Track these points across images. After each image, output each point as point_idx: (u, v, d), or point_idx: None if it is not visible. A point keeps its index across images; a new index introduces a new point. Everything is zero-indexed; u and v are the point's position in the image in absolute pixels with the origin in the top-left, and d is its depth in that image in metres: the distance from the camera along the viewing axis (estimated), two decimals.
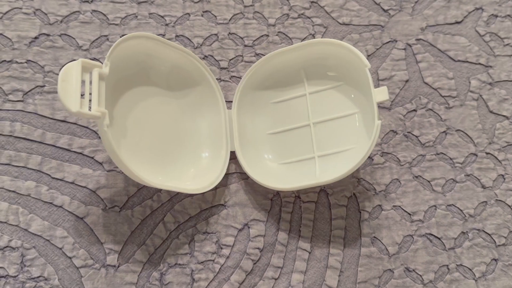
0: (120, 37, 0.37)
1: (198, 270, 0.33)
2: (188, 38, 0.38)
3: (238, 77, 0.37)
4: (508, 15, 0.41)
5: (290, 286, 0.33)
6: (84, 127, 0.35)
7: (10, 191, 0.33)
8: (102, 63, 0.29)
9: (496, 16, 0.41)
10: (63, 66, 0.36)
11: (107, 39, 0.37)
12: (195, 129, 0.35)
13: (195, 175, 0.34)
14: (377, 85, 0.38)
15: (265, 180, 0.33)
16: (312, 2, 0.40)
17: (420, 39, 0.40)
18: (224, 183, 0.35)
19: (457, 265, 0.34)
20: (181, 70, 0.35)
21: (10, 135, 0.34)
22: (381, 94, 0.31)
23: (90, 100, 0.28)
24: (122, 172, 0.34)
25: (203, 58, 0.37)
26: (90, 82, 0.28)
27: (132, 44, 0.31)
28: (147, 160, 0.33)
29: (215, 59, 0.38)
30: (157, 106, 0.34)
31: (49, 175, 0.34)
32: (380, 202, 0.35)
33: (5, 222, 0.32)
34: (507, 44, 0.40)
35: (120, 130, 0.32)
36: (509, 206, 0.36)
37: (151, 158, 0.33)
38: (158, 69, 0.34)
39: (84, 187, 0.34)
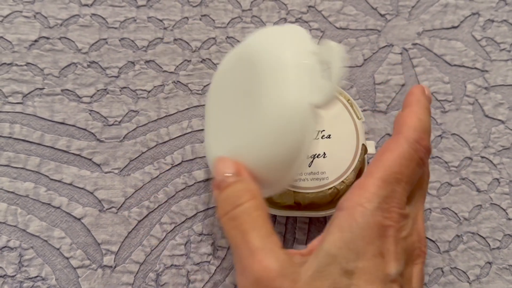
0: (119, 40, 0.38)
1: (194, 271, 0.33)
2: (186, 42, 0.38)
3: None
4: (505, 20, 0.42)
5: None
6: (83, 129, 0.35)
7: (9, 192, 0.34)
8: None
9: (493, 21, 0.41)
10: (63, 68, 0.36)
11: (106, 42, 0.37)
12: None
13: None
14: (373, 89, 0.39)
15: None
16: (309, 6, 0.40)
17: (417, 43, 0.40)
18: None
19: (451, 268, 0.35)
20: None
21: (10, 137, 0.35)
22: (369, 147, 0.33)
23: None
24: (119, 174, 0.34)
25: (201, 62, 0.38)
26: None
27: None
28: None
29: (212, 63, 0.38)
30: None
31: (48, 177, 0.34)
32: None
33: (4, 223, 0.33)
34: (503, 49, 0.41)
35: None
36: (504, 209, 0.36)
37: None
38: None
39: (82, 188, 0.34)
